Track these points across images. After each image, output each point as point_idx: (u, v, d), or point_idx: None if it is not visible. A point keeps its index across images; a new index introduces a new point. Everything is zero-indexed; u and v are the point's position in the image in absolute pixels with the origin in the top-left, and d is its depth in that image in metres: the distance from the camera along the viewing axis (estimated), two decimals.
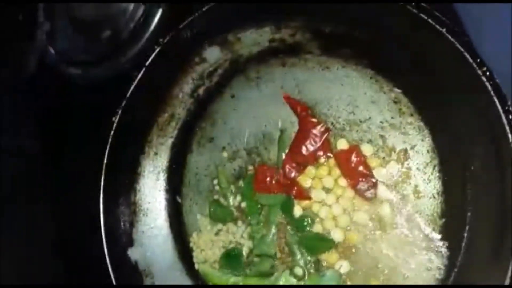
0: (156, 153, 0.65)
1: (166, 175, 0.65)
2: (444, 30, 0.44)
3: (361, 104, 0.53)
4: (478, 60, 0.41)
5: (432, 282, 0.46)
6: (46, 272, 0.65)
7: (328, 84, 0.55)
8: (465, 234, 0.45)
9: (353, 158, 0.51)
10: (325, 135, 0.53)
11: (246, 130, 0.60)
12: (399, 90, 0.51)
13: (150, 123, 0.64)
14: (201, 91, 0.64)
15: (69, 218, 0.67)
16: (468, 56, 0.41)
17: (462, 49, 0.42)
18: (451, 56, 0.43)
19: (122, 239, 0.61)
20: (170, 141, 0.65)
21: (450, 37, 0.43)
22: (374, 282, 0.49)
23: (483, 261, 0.44)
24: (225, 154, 0.61)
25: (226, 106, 0.62)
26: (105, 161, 0.59)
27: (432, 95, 0.47)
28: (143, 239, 0.62)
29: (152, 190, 0.64)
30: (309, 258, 0.53)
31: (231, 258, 0.57)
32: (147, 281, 0.59)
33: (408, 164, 0.49)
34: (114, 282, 0.56)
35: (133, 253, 0.60)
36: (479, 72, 0.40)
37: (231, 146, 0.61)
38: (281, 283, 0.52)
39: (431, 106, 0.48)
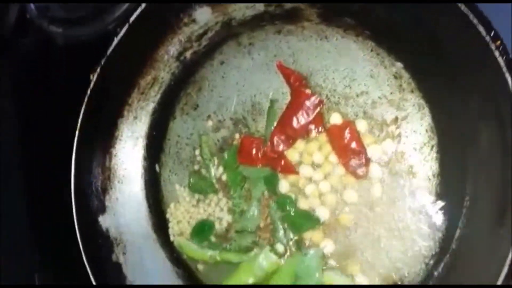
0: (135, 117, 0.57)
1: (145, 142, 0.58)
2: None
3: (359, 77, 0.47)
4: (492, 33, 0.35)
5: (419, 267, 0.41)
6: (15, 239, 0.57)
7: (325, 55, 0.49)
8: (461, 220, 0.39)
9: (347, 134, 0.45)
10: (319, 108, 0.47)
11: (234, 98, 0.54)
12: (401, 65, 0.46)
13: (131, 85, 0.57)
14: (188, 54, 0.56)
15: (41, 183, 0.59)
16: (481, 28, 0.35)
17: (474, 21, 0.36)
18: (462, 28, 0.38)
19: (94, 204, 0.54)
20: (151, 106, 0.58)
21: (462, 6, 0.37)
22: (355, 264, 0.44)
23: (479, 252, 0.39)
24: (209, 123, 0.55)
25: (214, 73, 0.56)
26: (80, 120, 0.51)
27: (436, 72, 0.42)
28: (116, 207, 0.55)
29: (129, 156, 0.57)
30: (291, 235, 0.47)
31: (201, 231, 0.52)
32: (118, 250, 0.53)
33: (404, 143, 0.44)
34: (82, 249, 0.49)
35: (105, 220, 0.54)
36: (492, 46, 0.35)
37: (217, 115, 0.54)
38: (260, 259, 0.46)
39: (434, 83, 0.43)
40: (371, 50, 0.48)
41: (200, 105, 0.56)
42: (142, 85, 0.58)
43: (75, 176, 0.52)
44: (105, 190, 0.55)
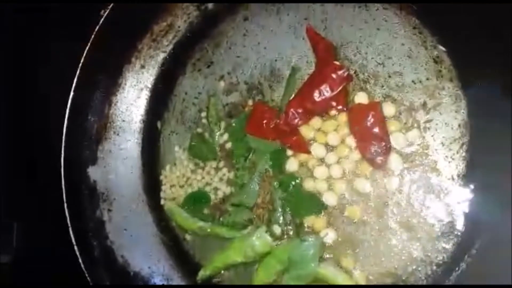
0: (143, 66, 0.58)
1: (149, 94, 0.59)
2: None
3: (395, 56, 0.46)
4: None
5: (424, 273, 0.41)
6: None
7: (361, 25, 0.49)
8: (483, 231, 0.39)
9: (370, 117, 0.45)
10: (345, 83, 0.47)
11: (252, 60, 0.54)
12: (444, 49, 0.45)
13: (144, 29, 0.58)
14: (210, 4, 0.56)
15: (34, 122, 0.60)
16: None
17: None
18: None
19: (85, 153, 0.56)
20: (162, 56, 0.59)
21: None
22: (352, 259, 0.44)
23: (494, 271, 0.39)
24: (221, 84, 0.55)
25: (236, 29, 0.56)
26: (83, 58, 0.52)
27: (485, 64, 0.41)
28: (108, 160, 0.57)
29: (130, 107, 0.58)
30: (290, 218, 0.48)
31: (195, 202, 0.53)
32: (103, 206, 0.54)
33: (432, 136, 0.44)
34: (64, 198, 0.51)
35: (94, 172, 0.55)
36: None
37: (231, 76, 0.55)
38: (254, 238, 0.47)
39: (479, 76, 0.42)
40: (414, 28, 0.47)
41: (214, 63, 0.57)
42: (155, 31, 0.58)
43: (68, 118, 0.53)
44: (99, 140, 0.57)
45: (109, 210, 0.55)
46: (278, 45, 0.53)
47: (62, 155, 0.53)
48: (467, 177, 0.43)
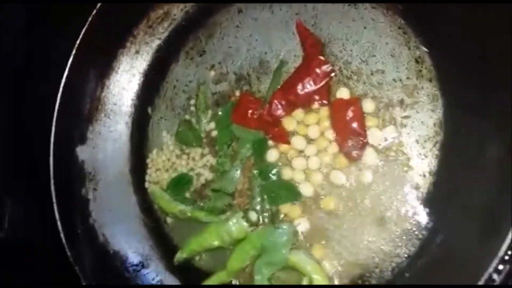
0: (137, 52, 0.62)
1: (141, 79, 0.63)
2: None
3: (379, 54, 0.50)
4: None
5: (392, 264, 0.44)
6: None
7: (350, 23, 0.52)
8: (448, 225, 0.42)
9: (350, 112, 0.49)
10: (328, 77, 0.50)
11: (243, 52, 0.58)
12: (426, 49, 0.48)
13: (141, 15, 0.62)
14: None
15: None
16: None
17: None
18: (506, 35, 0.39)
19: (75, 133, 0.60)
20: (156, 43, 0.63)
21: None
22: (324, 248, 0.47)
23: (459, 262, 0.42)
24: (212, 74, 0.59)
25: (229, 20, 0.59)
26: (79, 39, 0.56)
27: (464, 68, 0.44)
28: (97, 140, 0.61)
29: (122, 91, 0.62)
30: (267, 206, 0.51)
31: (178, 184, 0.56)
32: (89, 186, 0.58)
33: (408, 133, 0.47)
34: (52, 175, 0.55)
35: (83, 152, 0.59)
36: None
37: (221, 66, 0.58)
38: (230, 223, 0.51)
39: (458, 78, 0.45)
40: (399, 28, 0.50)
41: (206, 52, 0.60)
42: (152, 17, 0.62)
43: (61, 97, 0.57)
44: (89, 121, 0.61)
45: (95, 189, 0.59)
46: (269, 38, 0.57)
47: (53, 133, 0.57)
48: (438, 175, 0.45)
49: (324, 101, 0.51)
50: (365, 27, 0.52)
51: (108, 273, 0.54)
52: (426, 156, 0.46)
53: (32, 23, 0.60)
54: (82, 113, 0.60)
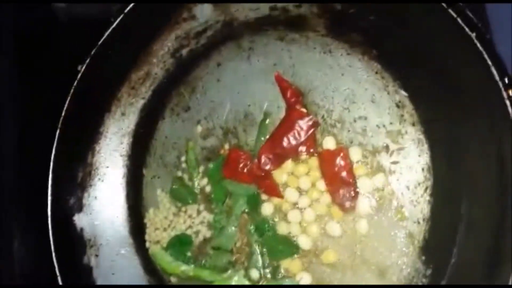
0: (123, 114, 0.62)
1: (130, 140, 0.63)
2: (473, 35, 0.39)
3: (360, 101, 0.50)
4: (507, 80, 0.37)
5: None
6: None
7: (327, 71, 0.52)
8: (448, 271, 0.42)
9: (338, 162, 0.49)
10: (312, 129, 0.50)
11: (227, 105, 0.58)
12: (405, 93, 0.48)
13: (122, 78, 0.62)
14: (184, 52, 0.60)
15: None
16: (495, 72, 0.37)
17: (489, 62, 0.38)
18: (476, 67, 0.40)
19: (70, 201, 0.59)
20: (141, 103, 0.63)
21: (479, 45, 0.39)
22: None
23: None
24: (199, 129, 0.59)
25: (210, 75, 0.59)
26: (64, 112, 0.56)
27: (443, 108, 0.44)
28: (94, 206, 0.61)
29: (113, 154, 0.62)
30: (267, 261, 0.51)
31: (178, 245, 0.57)
32: (90, 252, 0.58)
33: (397, 180, 0.47)
34: (52, 248, 0.55)
35: (80, 220, 0.59)
36: (505, 94, 0.37)
37: (207, 120, 0.58)
38: (233, 283, 0.50)
39: (439, 120, 0.45)
40: (376, 73, 0.50)
41: (191, 108, 0.60)
42: (133, 79, 0.62)
43: (53, 169, 0.57)
44: (84, 187, 0.61)
45: (96, 256, 0.59)
46: (251, 89, 0.57)
47: (49, 205, 0.56)
48: (432, 221, 0.45)
49: (312, 151, 0.51)
50: (342, 74, 0.52)
51: None
52: (418, 202, 0.46)
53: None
54: (76, 180, 0.60)
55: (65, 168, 0.60)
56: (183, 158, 0.61)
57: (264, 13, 0.56)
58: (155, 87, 0.63)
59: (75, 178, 0.61)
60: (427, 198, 0.47)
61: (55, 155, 0.57)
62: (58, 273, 0.55)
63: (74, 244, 0.59)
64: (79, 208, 0.60)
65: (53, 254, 0.56)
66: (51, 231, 0.56)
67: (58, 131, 0.57)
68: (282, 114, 0.55)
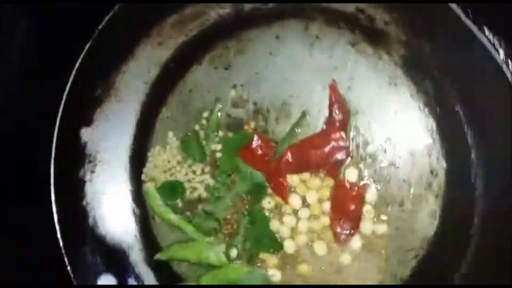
0: (160, 44, 0.61)
1: (159, 71, 0.60)
2: None
3: (400, 147, 0.52)
4: None
5: None
6: None
7: (384, 102, 0.53)
8: None
9: (351, 196, 0.50)
10: (342, 159, 0.49)
11: (269, 84, 0.56)
12: (445, 165, 0.48)
13: (172, 9, 0.59)
14: (247, 7, 0.58)
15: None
16: None
17: None
18: None
19: (82, 114, 0.59)
20: (182, 39, 0.62)
21: None
22: None
23: None
24: (232, 93, 0.57)
25: (265, 44, 0.57)
26: (103, 23, 0.51)
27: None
28: (103, 124, 0.63)
29: (137, 79, 0.64)
30: (248, 246, 0.53)
31: (171, 190, 0.60)
32: (88, 167, 0.60)
33: (395, 236, 0.52)
34: (53, 151, 0.55)
35: (87, 134, 0.61)
36: None
37: (244, 89, 0.57)
38: (211, 253, 0.53)
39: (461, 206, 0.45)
40: (428, 130, 0.49)
41: (232, 67, 0.58)
42: (185, 13, 0.59)
43: (75, 75, 0.55)
44: (99, 103, 0.60)
45: (92, 172, 0.61)
46: (299, 81, 0.56)
47: (60, 112, 0.55)
48: (407, 282, 0.48)
49: (332, 175, 0.51)
50: (396, 113, 0.49)
51: (89, 255, 0.57)
52: (403, 263, 0.48)
53: None
54: (93, 93, 0.58)
55: (87, 78, 0.58)
56: (205, 114, 0.59)
57: (347, 9, 0.50)
58: (203, 29, 0.59)
59: (94, 91, 0.59)
60: (413, 264, 0.49)
61: (81, 62, 0.54)
62: (52, 177, 0.56)
63: (75, 154, 0.59)
64: (88, 122, 0.61)
65: (52, 158, 0.56)
66: (56, 135, 0.56)
67: (91, 41, 0.53)
68: (320, 121, 0.54)
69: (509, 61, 0.35)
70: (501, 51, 0.35)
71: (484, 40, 0.37)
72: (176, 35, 0.60)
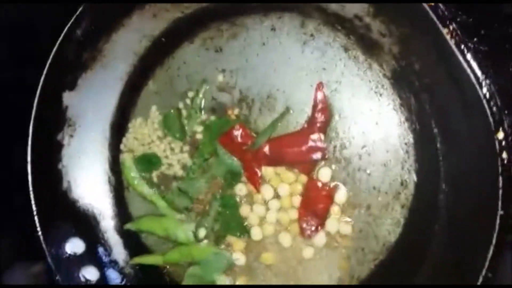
0: (154, 16, 0.59)
1: (149, 43, 0.59)
2: None
3: (374, 156, 0.53)
4: None
5: None
6: None
7: (366, 110, 0.54)
8: None
9: (321, 195, 0.52)
10: (318, 159, 0.50)
11: (257, 74, 0.56)
12: (415, 179, 0.49)
13: None
14: None
15: None
16: None
17: None
18: None
19: (66, 77, 0.57)
20: (176, 15, 0.61)
21: None
22: (244, 282, 0.54)
23: None
24: (219, 78, 0.57)
25: (259, 33, 0.57)
26: None
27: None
28: (87, 90, 0.62)
29: (126, 48, 0.63)
30: (217, 228, 0.55)
31: (147, 163, 0.59)
32: (67, 131, 0.60)
33: (358, 238, 0.53)
34: (33, 113, 0.54)
35: (69, 98, 0.60)
36: None
37: (232, 76, 0.57)
38: (179, 230, 0.55)
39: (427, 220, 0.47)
40: (405, 144, 0.51)
41: (223, 51, 0.58)
42: None
43: (61, 41, 0.53)
44: (84, 68, 0.59)
45: (71, 136, 0.61)
46: (287, 77, 0.56)
47: (45, 72, 0.54)
48: (365, 282, 0.51)
49: (305, 173, 0.52)
50: (377, 123, 0.51)
51: (61, 218, 0.58)
52: (362, 264, 0.51)
53: None
54: (80, 59, 0.57)
55: (74, 42, 0.56)
56: (190, 94, 0.59)
57: (346, 14, 0.50)
58: (199, 8, 0.57)
59: (80, 56, 0.58)
60: (371, 267, 0.52)
61: (70, 26, 0.53)
62: (30, 138, 0.55)
63: (55, 117, 0.59)
64: (72, 86, 0.60)
65: (32, 119, 0.55)
66: (38, 95, 0.55)
67: (82, 6, 0.51)
68: (302, 118, 0.55)
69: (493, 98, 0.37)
70: (485, 88, 0.37)
71: (469, 71, 0.38)
72: (171, 9, 0.58)
